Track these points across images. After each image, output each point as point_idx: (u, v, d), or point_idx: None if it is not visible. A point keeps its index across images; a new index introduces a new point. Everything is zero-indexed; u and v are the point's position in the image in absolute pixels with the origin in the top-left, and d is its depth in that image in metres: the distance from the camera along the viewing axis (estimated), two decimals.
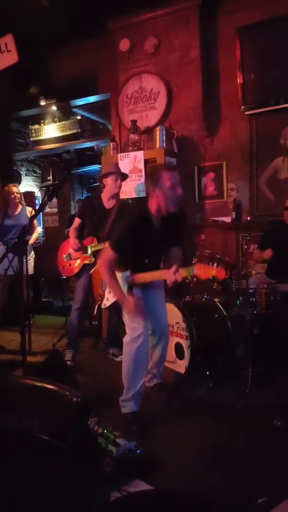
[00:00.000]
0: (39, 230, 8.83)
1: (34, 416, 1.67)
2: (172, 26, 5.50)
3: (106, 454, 2.58)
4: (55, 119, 7.82)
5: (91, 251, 4.60)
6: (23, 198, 5.74)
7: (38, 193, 8.03)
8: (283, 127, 5.12)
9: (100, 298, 3.51)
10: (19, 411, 1.73)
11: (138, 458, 2.63)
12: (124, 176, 4.69)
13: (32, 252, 6.12)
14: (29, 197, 7.69)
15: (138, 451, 2.65)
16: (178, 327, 4.08)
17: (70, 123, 7.71)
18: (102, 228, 4.55)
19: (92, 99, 6.80)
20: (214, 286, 4.34)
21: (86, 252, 4.66)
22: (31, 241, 5.86)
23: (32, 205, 7.48)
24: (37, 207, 7.65)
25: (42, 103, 6.98)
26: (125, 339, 3.32)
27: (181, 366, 4.03)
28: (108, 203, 4.61)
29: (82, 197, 9.63)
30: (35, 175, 9.13)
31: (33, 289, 7.02)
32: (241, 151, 5.41)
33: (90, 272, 4.68)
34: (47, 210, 9.21)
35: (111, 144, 5.68)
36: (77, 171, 9.33)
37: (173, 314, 4.01)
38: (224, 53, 5.40)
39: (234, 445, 2.94)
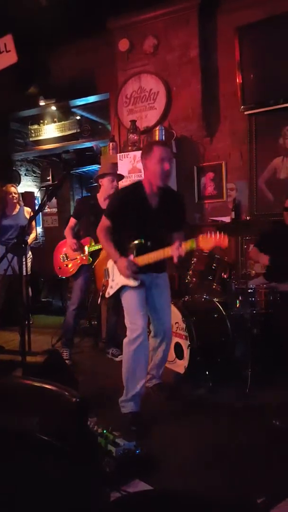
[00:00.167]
0: (38, 230, 8.84)
1: (33, 416, 1.67)
2: (171, 26, 5.50)
3: (105, 454, 2.58)
4: (55, 119, 7.82)
5: (89, 252, 4.60)
6: (21, 198, 5.74)
7: (37, 193, 8.02)
8: (283, 127, 5.12)
9: (103, 288, 3.51)
10: (19, 411, 1.73)
11: (138, 458, 2.63)
12: (120, 177, 4.69)
13: (30, 253, 6.12)
14: (28, 197, 7.69)
15: (137, 451, 2.64)
16: (177, 327, 4.08)
17: (69, 123, 7.71)
18: None
19: (91, 99, 6.80)
20: (214, 286, 4.33)
21: (83, 252, 4.66)
22: (29, 241, 5.86)
23: (32, 205, 7.48)
24: (36, 207, 7.66)
25: (42, 103, 6.99)
26: (124, 340, 3.32)
27: (180, 366, 4.03)
28: (104, 204, 4.61)
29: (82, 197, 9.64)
30: (34, 175, 9.12)
31: (32, 289, 7.00)
32: (241, 151, 5.41)
33: (89, 270, 4.68)
34: (46, 210, 9.19)
35: (111, 144, 5.68)
36: (77, 171, 9.32)
37: (173, 314, 4.01)
38: (223, 52, 5.40)
39: (234, 445, 2.94)
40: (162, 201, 3.35)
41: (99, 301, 3.67)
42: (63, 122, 7.76)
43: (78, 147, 8.00)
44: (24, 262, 4.80)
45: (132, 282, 3.28)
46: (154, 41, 5.62)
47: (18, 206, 5.59)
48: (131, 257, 3.28)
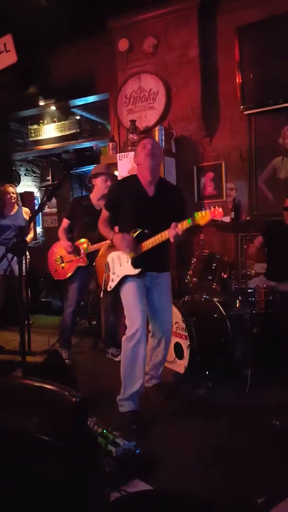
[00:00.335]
0: (38, 230, 8.84)
1: (33, 416, 1.67)
2: (171, 26, 5.50)
3: (105, 454, 2.57)
4: (54, 119, 7.82)
5: (85, 253, 4.58)
6: (19, 199, 5.73)
7: (37, 193, 8.02)
8: (282, 127, 5.12)
9: (105, 282, 3.51)
10: (19, 411, 1.73)
11: (138, 458, 2.63)
12: (114, 177, 4.70)
13: (27, 253, 6.10)
14: (28, 197, 7.68)
15: (137, 451, 2.64)
16: (177, 327, 4.08)
17: (69, 123, 7.72)
18: (93, 229, 4.54)
19: (91, 99, 6.80)
20: (214, 286, 4.33)
21: (79, 254, 4.63)
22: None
23: (31, 205, 7.47)
24: (36, 207, 7.65)
25: (41, 103, 6.98)
26: (123, 337, 3.32)
27: (180, 366, 4.03)
28: (98, 204, 4.62)
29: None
30: (34, 175, 9.12)
31: (32, 289, 6.99)
32: (240, 150, 5.40)
33: (86, 271, 4.66)
34: (46, 210, 9.19)
35: (110, 144, 5.68)
36: (76, 171, 9.33)
37: (173, 314, 4.00)
38: (223, 52, 5.40)
39: (234, 445, 2.94)
40: (159, 192, 3.42)
41: (101, 295, 3.68)
42: (62, 122, 7.76)
43: (77, 147, 8.00)
44: (24, 262, 4.81)
45: (132, 270, 3.30)
46: (153, 41, 5.62)
47: (16, 206, 5.58)
48: None
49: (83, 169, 9.31)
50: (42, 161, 9.22)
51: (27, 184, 8.78)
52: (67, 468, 1.59)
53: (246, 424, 3.21)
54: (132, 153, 5.21)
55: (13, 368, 3.52)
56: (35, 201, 7.95)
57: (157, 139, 5.24)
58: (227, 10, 5.33)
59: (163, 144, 5.23)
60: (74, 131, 7.68)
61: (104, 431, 2.75)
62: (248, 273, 4.31)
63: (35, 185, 9.05)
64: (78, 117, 7.67)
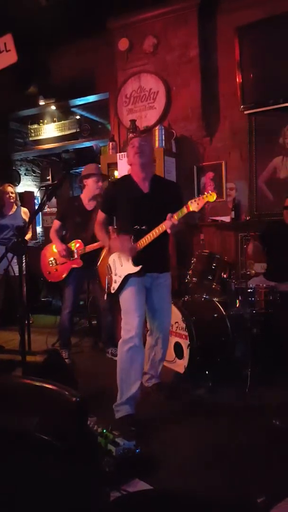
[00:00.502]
0: (38, 230, 8.84)
1: (33, 416, 1.67)
2: (171, 26, 5.50)
3: (105, 454, 2.57)
4: (54, 119, 7.83)
5: (79, 255, 4.57)
6: (18, 198, 5.73)
7: (37, 193, 8.02)
8: (282, 127, 5.12)
9: (108, 285, 3.49)
10: (19, 411, 1.73)
11: (138, 457, 2.63)
12: (104, 177, 4.71)
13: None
14: (28, 196, 7.68)
15: (137, 451, 2.64)
16: (177, 327, 4.08)
17: (69, 122, 7.72)
18: (85, 230, 4.54)
19: (91, 98, 6.81)
20: (214, 286, 4.33)
21: (72, 256, 4.61)
22: None
23: (31, 204, 7.47)
24: (36, 207, 7.65)
25: (41, 102, 6.98)
26: (119, 341, 3.31)
27: (180, 365, 4.03)
28: (89, 205, 4.62)
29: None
30: (34, 174, 9.12)
31: (31, 289, 6.99)
32: (240, 150, 5.40)
33: (81, 272, 4.65)
34: (46, 210, 9.19)
35: (110, 143, 5.68)
36: (76, 170, 9.33)
37: (173, 314, 4.00)
38: (223, 52, 5.40)
39: (234, 445, 2.94)
40: (154, 188, 3.41)
41: (105, 297, 3.67)
42: (62, 122, 7.77)
43: (77, 147, 8.00)
44: (24, 262, 4.81)
45: (133, 268, 3.28)
46: (153, 41, 5.62)
47: (15, 206, 5.58)
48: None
49: (83, 169, 9.31)
50: (42, 160, 9.24)
51: (27, 184, 8.79)
52: (67, 468, 1.59)
53: (246, 424, 3.21)
54: None
55: (13, 367, 3.52)
56: (35, 201, 7.95)
57: (157, 138, 5.25)
58: (227, 10, 5.33)
59: (163, 144, 5.23)
60: (74, 130, 7.69)
61: (104, 430, 2.75)
62: (248, 273, 4.31)
63: (35, 184, 9.06)
64: (78, 117, 7.68)
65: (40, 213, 8.71)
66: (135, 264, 3.28)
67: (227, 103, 5.41)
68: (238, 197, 5.43)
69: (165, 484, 2.48)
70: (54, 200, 8.81)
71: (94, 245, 4.46)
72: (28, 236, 5.74)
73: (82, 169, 4.89)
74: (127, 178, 3.51)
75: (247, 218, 5.15)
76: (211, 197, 3.07)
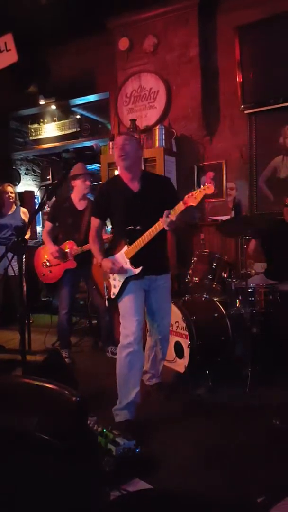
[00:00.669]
0: (38, 229, 8.83)
1: (33, 415, 1.66)
2: (171, 25, 5.50)
3: (105, 453, 2.58)
4: (55, 118, 7.82)
5: (73, 255, 4.57)
6: (18, 198, 5.73)
7: (37, 192, 8.01)
8: (283, 126, 5.12)
9: (107, 290, 3.43)
10: (19, 411, 1.73)
11: (138, 457, 2.63)
12: (92, 176, 4.71)
13: None
14: (28, 196, 7.68)
15: (137, 450, 2.65)
16: (177, 326, 4.08)
17: (69, 122, 7.71)
18: (78, 231, 4.53)
19: (91, 98, 6.80)
20: (214, 285, 4.34)
21: (66, 257, 4.59)
22: None
23: (32, 204, 7.46)
24: (36, 206, 7.65)
25: (42, 102, 6.97)
26: (118, 346, 3.27)
27: (180, 365, 4.03)
28: (79, 204, 4.62)
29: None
30: (34, 174, 9.11)
31: (30, 288, 6.99)
32: (241, 150, 5.40)
33: (76, 273, 4.64)
34: (46, 209, 9.18)
35: (110, 143, 5.67)
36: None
37: (173, 313, 4.00)
38: (223, 52, 5.40)
39: (234, 445, 2.94)
40: (144, 186, 3.33)
41: (106, 304, 3.56)
42: (63, 121, 7.76)
43: (78, 146, 7.99)
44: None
45: (132, 270, 3.23)
46: (154, 40, 5.62)
47: (14, 206, 5.58)
48: (125, 247, 3.24)
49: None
50: (42, 160, 9.22)
51: (27, 183, 8.77)
52: (67, 468, 1.59)
53: (246, 424, 3.21)
54: None
55: (13, 367, 3.53)
56: (35, 200, 7.95)
57: (157, 138, 5.25)
58: (227, 10, 5.33)
59: (163, 144, 5.23)
60: (74, 130, 7.67)
61: (104, 430, 2.75)
62: (248, 272, 4.31)
63: (35, 184, 9.05)
64: (78, 116, 7.66)
65: (40, 212, 8.70)
66: (135, 266, 3.22)
67: (227, 103, 5.41)
68: (238, 196, 5.43)
69: (165, 484, 2.48)
70: (54, 199, 8.81)
71: (88, 246, 4.45)
72: (26, 236, 5.74)
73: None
74: (116, 179, 3.46)
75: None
76: (209, 189, 2.95)
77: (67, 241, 4.60)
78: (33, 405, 1.75)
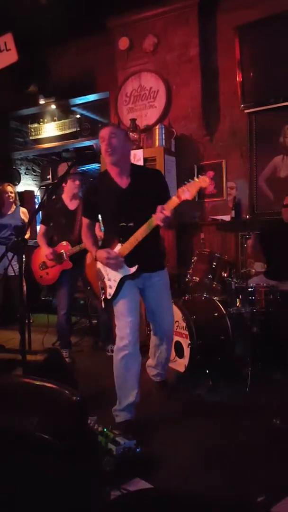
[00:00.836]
0: (37, 229, 8.82)
1: (34, 415, 1.66)
2: (171, 25, 5.50)
3: (106, 453, 2.58)
4: (54, 118, 7.81)
5: (68, 256, 4.56)
6: (17, 198, 5.73)
7: (37, 192, 8.01)
8: (283, 125, 5.12)
9: (103, 291, 3.36)
10: (19, 411, 1.73)
11: (138, 456, 2.63)
12: (80, 175, 4.71)
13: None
14: (28, 196, 7.68)
15: (137, 450, 2.65)
16: (177, 326, 4.08)
17: (69, 121, 7.70)
18: (72, 231, 4.53)
19: (91, 97, 6.80)
20: (214, 285, 4.33)
21: (61, 258, 4.58)
22: None
23: (32, 204, 7.46)
24: (36, 206, 7.66)
25: (41, 101, 6.98)
26: (114, 348, 3.23)
27: (180, 364, 4.03)
28: (71, 204, 4.62)
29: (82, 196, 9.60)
30: (34, 174, 9.11)
31: (31, 288, 6.99)
32: (241, 149, 5.40)
33: (72, 273, 4.63)
34: None
35: None
36: (76, 170, 9.31)
37: (173, 313, 4.00)
38: (223, 51, 5.40)
39: (234, 445, 2.93)
40: (133, 181, 3.17)
41: (103, 305, 3.47)
42: (63, 121, 7.75)
43: (78, 146, 7.99)
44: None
45: (127, 270, 3.11)
46: (154, 40, 5.62)
47: (14, 206, 5.58)
48: (118, 246, 3.12)
49: (83, 168, 9.31)
50: (43, 160, 9.22)
51: (27, 183, 8.77)
52: (67, 467, 1.59)
53: (246, 424, 3.20)
54: (132, 152, 5.21)
55: (14, 367, 3.52)
56: (35, 200, 7.95)
57: (157, 137, 5.25)
58: (227, 9, 5.33)
59: (163, 143, 5.23)
60: (74, 129, 7.67)
61: (105, 429, 2.75)
62: (248, 272, 4.31)
63: (35, 184, 9.05)
64: (78, 116, 7.66)
65: (40, 212, 8.70)
66: (130, 265, 3.11)
67: (227, 102, 5.42)
68: (238, 196, 5.43)
69: (165, 484, 2.48)
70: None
71: (82, 246, 4.42)
72: (26, 236, 5.74)
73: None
74: (104, 175, 3.28)
75: (247, 217, 5.15)
76: (204, 181, 2.80)
77: (61, 242, 4.60)
78: (33, 405, 1.75)
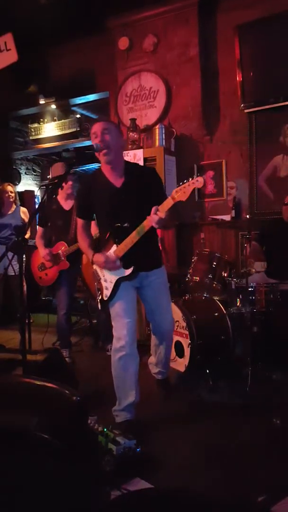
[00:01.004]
0: (37, 229, 8.83)
1: (34, 415, 1.67)
2: (171, 24, 5.50)
3: (106, 453, 2.58)
4: (55, 118, 7.81)
5: (65, 256, 4.56)
6: (18, 198, 5.73)
7: (37, 192, 8.01)
8: (283, 125, 5.12)
9: (99, 292, 3.32)
10: (19, 410, 1.73)
11: (138, 456, 2.63)
12: (73, 175, 4.71)
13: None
14: (28, 196, 7.68)
15: (138, 450, 2.64)
16: (177, 326, 4.07)
17: (69, 121, 7.70)
18: (68, 231, 4.53)
19: (91, 97, 6.81)
20: (214, 285, 4.33)
21: (58, 259, 4.58)
22: None
23: (32, 204, 7.46)
24: (36, 206, 7.66)
25: (41, 101, 6.98)
26: (111, 349, 3.20)
27: (181, 364, 4.03)
28: (66, 204, 4.62)
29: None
30: (34, 174, 9.11)
31: (31, 288, 6.99)
32: (241, 149, 5.40)
33: (71, 273, 4.63)
34: None
35: None
36: (77, 170, 9.32)
37: (173, 313, 4.00)
38: (223, 51, 5.40)
39: (234, 445, 2.93)
40: (127, 180, 3.10)
41: (99, 307, 3.44)
42: (63, 121, 7.74)
43: (78, 146, 7.99)
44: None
45: (123, 271, 3.08)
46: (154, 40, 5.62)
47: (14, 206, 5.58)
48: (114, 247, 3.08)
49: (83, 168, 9.31)
50: (43, 159, 9.22)
51: (27, 183, 8.77)
52: (67, 467, 1.59)
53: (246, 423, 3.20)
54: (132, 152, 5.24)
55: (14, 366, 3.53)
56: (35, 200, 7.95)
57: (157, 137, 5.25)
58: (227, 9, 5.33)
59: (163, 143, 5.23)
60: (74, 129, 7.66)
61: (105, 429, 2.75)
62: (248, 271, 4.31)
63: (36, 184, 9.05)
64: (78, 116, 7.66)
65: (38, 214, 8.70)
66: (125, 266, 3.07)
67: (227, 102, 5.42)
68: (238, 195, 5.43)
69: (165, 484, 2.48)
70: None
71: (77, 245, 4.42)
72: (26, 236, 5.74)
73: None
74: (97, 174, 3.20)
75: (248, 217, 5.14)
76: (198, 182, 2.76)
77: (58, 243, 4.61)
78: (33, 405, 1.75)
